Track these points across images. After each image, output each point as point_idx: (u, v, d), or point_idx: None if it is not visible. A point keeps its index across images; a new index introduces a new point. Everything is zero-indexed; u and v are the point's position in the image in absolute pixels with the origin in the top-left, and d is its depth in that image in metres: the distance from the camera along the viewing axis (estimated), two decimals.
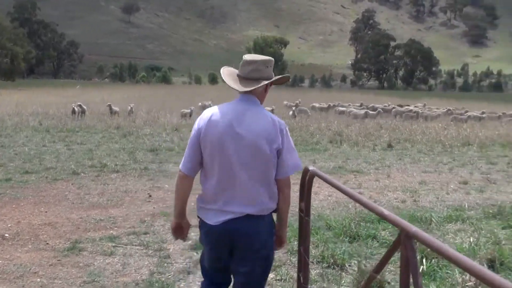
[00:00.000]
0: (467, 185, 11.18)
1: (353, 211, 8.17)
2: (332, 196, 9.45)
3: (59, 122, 21.98)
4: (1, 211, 7.96)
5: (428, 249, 5.30)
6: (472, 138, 19.42)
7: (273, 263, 3.93)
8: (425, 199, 9.67)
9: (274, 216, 3.54)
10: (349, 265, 5.91)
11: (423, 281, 5.21)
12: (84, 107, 25.60)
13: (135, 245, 6.51)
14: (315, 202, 8.72)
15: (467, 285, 5.09)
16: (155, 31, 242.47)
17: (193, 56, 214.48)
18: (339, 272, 5.73)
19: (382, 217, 2.54)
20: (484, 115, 30.46)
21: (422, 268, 5.53)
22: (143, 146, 15.82)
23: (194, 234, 6.85)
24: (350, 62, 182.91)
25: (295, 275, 5.42)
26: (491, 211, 8.53)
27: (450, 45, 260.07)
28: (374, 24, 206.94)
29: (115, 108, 26.59)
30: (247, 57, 3.49)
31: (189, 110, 25.79)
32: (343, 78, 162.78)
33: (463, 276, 5.21)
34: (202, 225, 3.49)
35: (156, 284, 5.29)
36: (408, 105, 39.37)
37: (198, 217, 3.53)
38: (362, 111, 29.20)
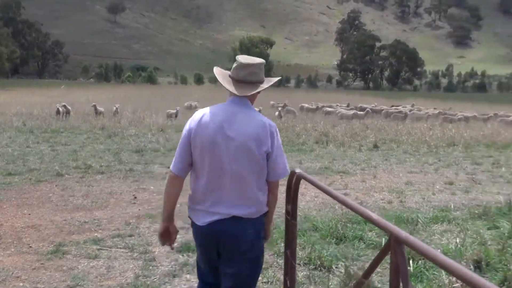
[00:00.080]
0: (453, 185, 11.22)
1: (339, 212, 8.15)
2: (319, 197, 9.43)
3: (44, 123, 21.81)
4: None
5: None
6: (457, 139, 19.52)
7: None
8: (411, 200, 9.69)
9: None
10: (336, 267, 5.88)
11: None
12: (69, 107, 25.45)
13: (120, 248, 6.43)
14: (301, 203, 8.70)
15: (453, 287, 5.08)
16: (141, 31, 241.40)
17: (179, 56, 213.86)
18: (326, 274, 5.70)
19: (371, 222, 2.50)
20: (474, 115, 30.59)
21: (409, 270, 5.50)
22: (128, 147, 15.72)
23: (179, 236, 6.82)
24: (335, 63, 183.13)
25: (282, 277, 5.38)
26: (476, 211, 8.56)
27: (435, 45, 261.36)
28: (360, 25, 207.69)
29: (100, 109, 26.43)
30: (242, 59, 3.46)
31: (174, 111, 25.70)
32: (329, 79, 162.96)
33: (450, 278, 5.20)
34: (192, 225, 3.51)
35: None
36: (399, 106, 39.48)
37: (189, 217, 3.53)
38: (351, 112, 29.23)
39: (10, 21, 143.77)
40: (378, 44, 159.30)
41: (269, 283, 5.43)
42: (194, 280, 5.49)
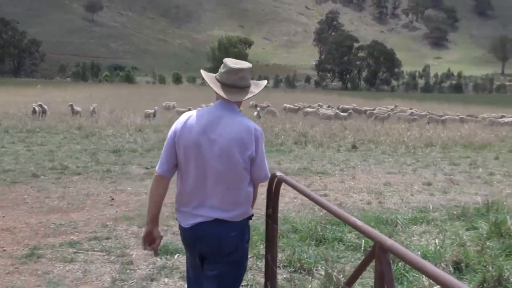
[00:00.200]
0: (431, 186, 11.29)
1: (319, 214, 8.13)
2: (298, 199, 9.39)
3: (19, 122, 21.50)
4: None
5: None
6: (434, 139, 19.64)
7: None
8: (390, 201, 9.71)
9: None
10: (316, 270, 5.83)
11: None
12: (45, 106, 25.12)
13: (97, 251, 6.33)
14: (280, 204, 8.57)
15: None
16: (119, 30, 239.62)
17: (157, 56, 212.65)
18: (306, 277, 5.66)
19: (356, 229, 2.45)
20: (448, 116, 30.80)
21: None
22: (106, 147, 15.56)
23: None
24: (314, 63, 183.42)
25: (261, 280, 5.33)
26: (455, 212, 8.59)
27: (412, 46, 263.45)
28: (338, 25, 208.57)
29: (77, 108, 26.19)
30: (232, 64, 3.47)
31: (152, 111, 25.54)
32: (307, 79, 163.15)
33: (430, 280, 5.18)
34: (179, 227, 3.52)
35: None
36: (388, 107, 39.65)
37: (176, 219, 3.55)
38: (333, 112, 29.26)
39: None
40: (356, 45, 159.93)
41: (249, 286, 5.37)
42: (172, 284, 5.41)
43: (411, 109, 37.83)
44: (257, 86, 3.59)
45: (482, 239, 6.95)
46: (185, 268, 5.68)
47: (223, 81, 3.46)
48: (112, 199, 9.15)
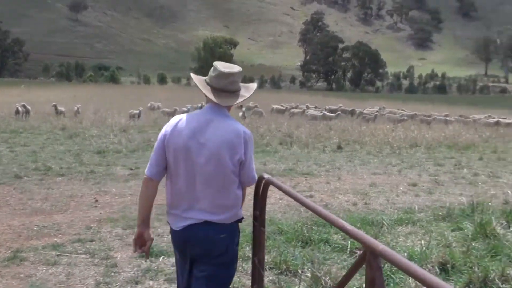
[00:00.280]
0: (416, 187, 11.29)
1: (305, 215, 8.11)
2: (284, 200, 9.35)
3: (2, 123, 21.31)
4: None
5: None
6: (419, 140, 19.71)
7: None
8: (375, 202, 9.70)
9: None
10: (302, 271, 5.80)
11: None
12: (29, 107, 24.94)
13: (80, 254, 6.24)
14: (266, 205, 8.60)
15: None
16: (103, 30, 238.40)
17: (142, 56, 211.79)
18: (293, 279, 5.63)
19: (346, 233, 2.42)
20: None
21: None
22: (90, 148, 15.45)
23: None
24: (299, 64, 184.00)
25: (247, 282, 5.29)
26: (440, 213, 8.59)
27: (397, 47, 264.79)
28: (323, 26, 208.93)
29: (61, 108, 26.02)
30: (222, 68, 3.45)
31: (137, 111, 25.42)
32: (292, 79, 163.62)
33: (417, 282, 5.17)
34: (170, 229, 3.54)
35: None
36: (376, 107, 39.76)
37: (168, 222, 3.56)
38: (320, 113, 29.29)
39: None
40: (341, 46, 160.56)
41: None
42: (157, 286, 5.36)
43: (402, 110, 37.98)
44: (248, 90, 3.60)
45: (468, 240, 6.95)
46: (170, 271, 5.69)
47: (213, 85, 3.45)
48: (96, 200, 9.05)
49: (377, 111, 34.37)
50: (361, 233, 2.30)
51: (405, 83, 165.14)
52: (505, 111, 46.41)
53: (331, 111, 32.74)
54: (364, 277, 2.35)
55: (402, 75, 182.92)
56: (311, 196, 9.92)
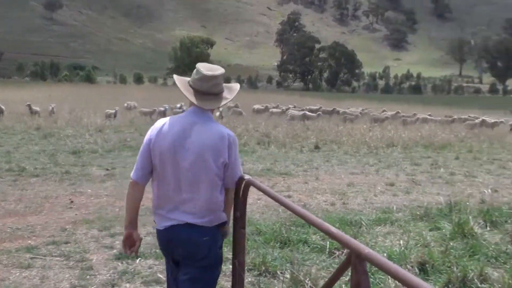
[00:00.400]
0: (394, 186, 11.32)
1: (283, 216, 8.06)
2: (262, 200, 9.30)
3: None
4: None
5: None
6: (396, 140, 19.79)
7: None
8: (353, 202, 9.70)
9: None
10: (281, 273, 5.74)
11: None
12: (2, 107, 24.53)
13: (55, 256, 6.11)
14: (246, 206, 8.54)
15: None
16: (79, 28, 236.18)
17: (118, 55, 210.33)
18: (272, 280, 5.57)
19: (331, 236, 2.36)
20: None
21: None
22: (65, 148, 15.24)
23: (118, 243, 6.56)
24: (275, 64, 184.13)
25: (227, 284, 5.23)
26: (418, 212, 8.61)
27: (373, 48, 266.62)
28: (300, 26, 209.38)
29: (36, 108, 25.65)
30: (205, 71, 3.45)
31: (113, 111, 25.17)
32: (269, 79, 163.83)
33: (396, 282, 5.15)
34: (156, 229, 3.58)
35: None
36: (358, 108, 39.84)
37: (154, 221, 3.59)
38: (300, 113, 29.28)
39: None
40: (317, 46, 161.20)
41: None
42: None
43: (384, 110, 38.14)
44: (231, 91, 3.61)
45: (446, 240, 6.98)
46: (147, 273, 5.63)
47: (196, 88, 3.46)
48: (71, 201, 8.90)
49: (360, 112, 34.51)
50: (346, 236, 2.25)
51: (381, 83, 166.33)
52: (479, 111, 46.89)
53: (311, 111, 32.74)
54: (342, 276, 2.31)
55: (378, 76, 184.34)
56: (289, 196, 9.87)
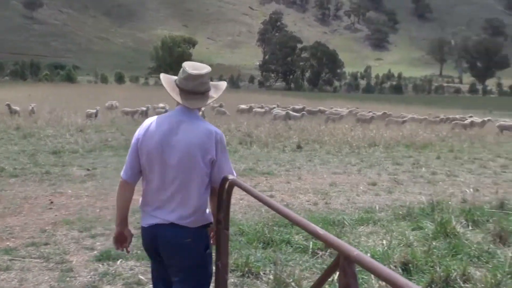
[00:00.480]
0: (376, 186, 11.33)
1: (266, 216, 8.02)
2: (244, 200, 9.25)
3: None
4: None
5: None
6: (377, 139, 19.84)
7: None
8: (336, 201, 9.69)
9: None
10: (264, 273, 5.70)
11: None
12: None
13: (34, 258, 6.02)
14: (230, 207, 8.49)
15: None
16: (59, 28, 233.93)
17: (99, 55, 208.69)
18: (255, 281, 5.53)
19: (318, 238, 2.32)
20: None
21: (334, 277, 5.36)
22: (45, 148, 15.08)
23: (99, 244, 6.48)
24: (257, 63, 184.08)
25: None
26: (400, 212, 8.63)
27: (354, 48, 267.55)
28: (282, 26, 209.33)
29: (15, 108, 25.38)
30: (191, 70, 3.44)
31: (94, 110, 24.96)
32: (251, 79, 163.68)
33: (380, 283, 5.14)
34: (141, 226, 3.59)
35: None
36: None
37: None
38: (283, 112, 29.24)
39: None
40: (299, 46, 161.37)
41: None
42: None
43: (370, 111, 38.24)
44: (217, 90, 3.64)
45: (429, 239, 6.98)
46: (128, 275, 5.57)
47: (182, 87, 3.46)
48: (51, 202, 8.78)
49: (347, 112, 34.65)
50: (334, 238, 2.20)
51: (363, 83, 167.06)
52: (459, 110, 47.29)
53: (295, 111, 32.75)
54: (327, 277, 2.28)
55: (360, 75, 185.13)
56: (272, 196, 9.84)
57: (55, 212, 8.12)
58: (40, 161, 12.78)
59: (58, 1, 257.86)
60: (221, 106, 32.57)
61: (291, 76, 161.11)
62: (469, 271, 5.66)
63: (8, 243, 6.52)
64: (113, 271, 5.66)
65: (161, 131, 3.37)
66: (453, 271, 5.61)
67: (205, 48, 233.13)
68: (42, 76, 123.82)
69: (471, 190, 10.62)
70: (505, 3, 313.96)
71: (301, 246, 6.66)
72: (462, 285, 5.42)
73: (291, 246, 6.69)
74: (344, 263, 2.03)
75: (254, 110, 32.41)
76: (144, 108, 27.34)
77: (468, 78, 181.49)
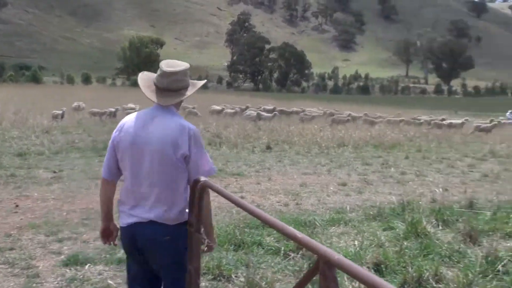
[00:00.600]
0: (346, 186, 11.36)
1: (236, 217, 7.94)
2: (214, 201, 9.12)
3: None
4: None
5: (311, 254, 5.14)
6: (346, 139, 19.92)
7: None
8: (307, 202, 9.67)
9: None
10: (236, 276, 5.63)
11: None
12: None
13: None
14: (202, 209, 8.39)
15: None
16: (24, 27, 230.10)
17: (65, 55, 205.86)
18: (226, 284, 5.45)
19: (297, 242, 2.25)
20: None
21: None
22: (10, 150, 14.74)
23: (66, 248, 6.33)
24: (226, 64, 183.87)
25: None
26: (371, 212, 8.65)
27: (322, 48, 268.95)
28: (250, 27, 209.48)
29: None
30: (165, 67, 3.46)
31: (60, 111, 24.55)
32: (219, 80, 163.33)
33: (353, 283, 5.12)
34: (120, 227, 3.60)
35: None
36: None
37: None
38: (254, 113, 29.17)
39: None
40: (267, 46, 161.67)
41: None
42: None
43: (348, 114, 38.42)
44: (192, 88, 3.61)
45: (400, 240, 7.00)
46: (96, 279, 5.43)
47: (157, 84, 3.49)
48: (17, 205, 8.56)
49: (323, 112, 34.84)
50: (314, 241, 2.14)
51: (330, 83, 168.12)
52: (425, 110, 47.89)
53: (267, 111, 32.76)
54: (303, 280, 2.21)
55: (327, 76, 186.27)
56: (242, 197, 9.74)
57: (20, 216, 7.92)
58: (5, 164, 12.48)
59: (23, 1, 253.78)
60: (193, 107, 32.39)
61: (259, 77, 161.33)
62: (441, 271, 5.68)
63: None
64: (81, 276, 5.53)
65: (136, 127, 3.40)
66: (425, 271, 5.62)
67: (172, 49, 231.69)
68: (6, 77, 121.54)
69: (440, 189, 10.72)
70: (470, 5, 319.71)
71: (273, 248, 6.61)
72: (435, 285, 5.43)
73: (263, 248, 6.64)
74: (324, 267, 1.97)
75: (224, 111, 32.27)
76: (113, 109, 27.00)
77: (433, 79, 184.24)
